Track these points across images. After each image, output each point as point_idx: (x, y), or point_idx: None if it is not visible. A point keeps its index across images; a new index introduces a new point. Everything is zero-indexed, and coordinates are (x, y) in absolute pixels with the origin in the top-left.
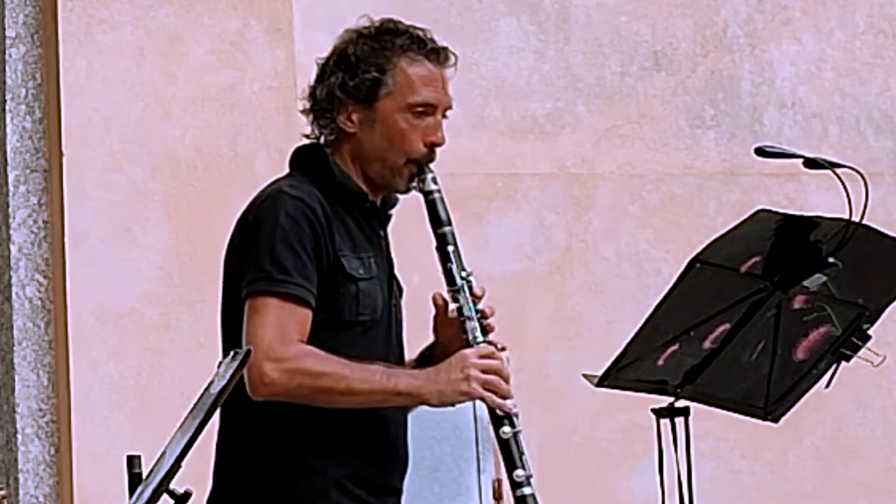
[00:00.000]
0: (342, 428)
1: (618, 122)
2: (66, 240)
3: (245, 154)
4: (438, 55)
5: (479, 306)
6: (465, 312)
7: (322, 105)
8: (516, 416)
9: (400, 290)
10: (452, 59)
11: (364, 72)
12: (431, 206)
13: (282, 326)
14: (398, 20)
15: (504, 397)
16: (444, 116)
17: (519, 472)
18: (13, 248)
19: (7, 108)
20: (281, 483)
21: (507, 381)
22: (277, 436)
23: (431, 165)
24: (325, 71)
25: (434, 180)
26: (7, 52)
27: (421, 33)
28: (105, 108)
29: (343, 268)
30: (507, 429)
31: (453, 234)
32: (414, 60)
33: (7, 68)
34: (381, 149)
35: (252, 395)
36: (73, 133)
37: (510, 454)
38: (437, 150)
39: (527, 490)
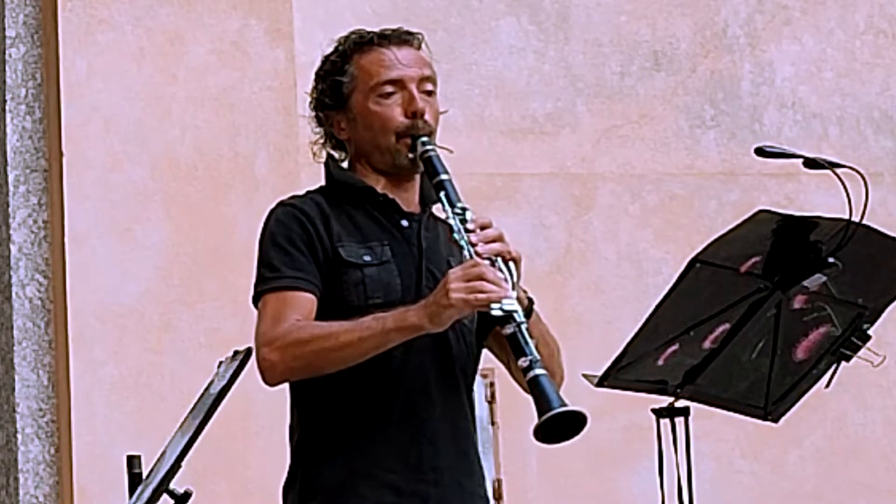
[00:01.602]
0: (361, 419)
1: (618, 122)
2: (66, 240)
3: (245, 154)
4: (389, 39)
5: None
6: (457, 239)
7: (320, 127)
8: (515, 312)
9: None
10: (414, 38)
11: (328, 82)
12: (427, 163)
13: (276, 313)
14: (358, 29)
15: (496, 300)
16: (424, 90)
17: (522, 359)
18: (13, 248)
19: (7, 108)
20: (313, 479)
21: (494, 283)
22: (305, 432)
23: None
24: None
25: (425, 143)
26: (7, 52)
27: (372, 29)
28: (105, 108)
29: (340, 256)
30: (508, 328)
31: (450, 182)
32: (364, 52)
33: (7, 68)
34: (370, 138)
35: (266, 384)
36: (73, 133)
37: (516, 346)
38: (428, 118)
39: (537, 371)
